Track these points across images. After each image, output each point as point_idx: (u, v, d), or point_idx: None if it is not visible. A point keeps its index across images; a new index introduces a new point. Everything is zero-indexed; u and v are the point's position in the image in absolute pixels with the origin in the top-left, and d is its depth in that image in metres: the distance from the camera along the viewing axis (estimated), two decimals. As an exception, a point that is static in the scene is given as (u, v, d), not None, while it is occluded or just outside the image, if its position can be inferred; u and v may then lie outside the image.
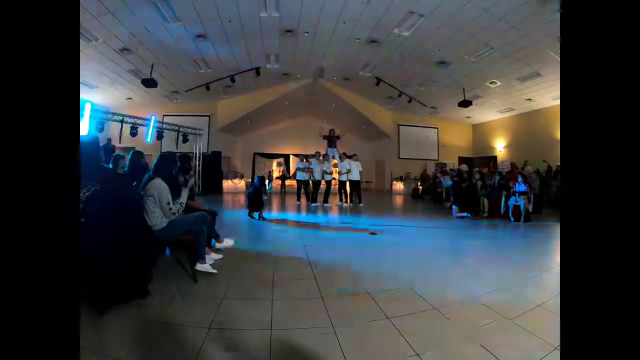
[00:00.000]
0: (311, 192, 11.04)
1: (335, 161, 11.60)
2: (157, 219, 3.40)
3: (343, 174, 10.89)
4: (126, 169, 4.85)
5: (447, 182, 9.56)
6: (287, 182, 16.35)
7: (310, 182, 11.13)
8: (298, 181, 11.50)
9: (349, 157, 11.11)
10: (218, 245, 4.47)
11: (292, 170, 16.10)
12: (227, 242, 4.65)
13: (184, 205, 3.66)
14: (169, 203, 3.39)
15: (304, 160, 11.48)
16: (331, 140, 11.87)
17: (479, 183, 9.65)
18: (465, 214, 8.75)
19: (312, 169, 11.03)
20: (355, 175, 10.80)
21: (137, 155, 4.87)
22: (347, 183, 11.03)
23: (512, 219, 8.21)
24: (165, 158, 3.68)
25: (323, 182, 11.27)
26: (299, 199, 11.43)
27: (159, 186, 3.39)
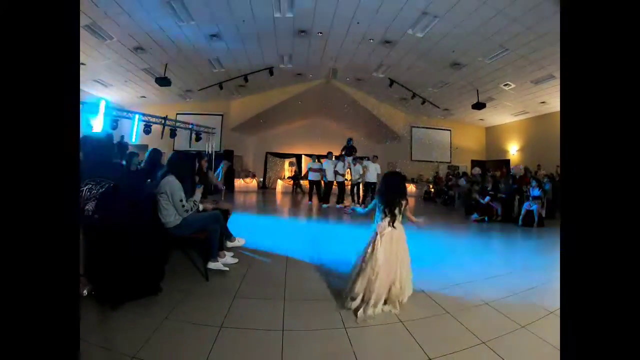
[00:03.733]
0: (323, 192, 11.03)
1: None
2: (170, 217, 3.42)
3: (356, 179, 10.87)
4: (143, 164, 4.90)
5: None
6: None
7: (322, 182, 11.10)
8: (310, 181, 11.52)
9: (369, 159, 11.11)
10: (230, 244, 4.49)
11: (304, 171, 16.06)
12: (239, 242, 4.67)
13: (197, 204, 3.67)
14: (181, 200, 3.41)
15: (316, 160, 11.42)
16: (349, 150, 11.73)
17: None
18: (482, 216, 8.79)
19: (324, 169, 10.98)
20: (372, 177, 10.76)
21: (156, 153, 4.91)
22: (360, 185, 10.98)
23: (524, 223, 8.14)
24: (179, 156, 3.70)
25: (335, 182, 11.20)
26: (310, 199, 11.46)
27: (172, 183, 3.40)
